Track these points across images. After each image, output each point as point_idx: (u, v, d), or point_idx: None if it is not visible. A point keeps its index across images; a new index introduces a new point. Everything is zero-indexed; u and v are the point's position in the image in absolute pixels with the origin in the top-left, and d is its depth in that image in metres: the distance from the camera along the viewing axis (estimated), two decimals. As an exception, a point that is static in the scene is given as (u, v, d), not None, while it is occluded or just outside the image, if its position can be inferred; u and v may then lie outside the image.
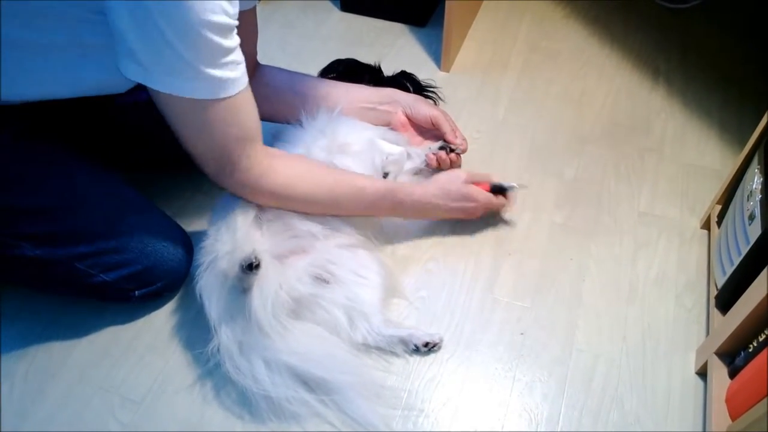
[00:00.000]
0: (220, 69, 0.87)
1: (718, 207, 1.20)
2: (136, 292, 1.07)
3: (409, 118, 1.27)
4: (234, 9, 0.86)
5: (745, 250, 0.97)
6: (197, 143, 0.94)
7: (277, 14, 1.82)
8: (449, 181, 1.17)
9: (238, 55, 0.89)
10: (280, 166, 1.01)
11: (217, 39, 0.84)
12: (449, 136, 1.24)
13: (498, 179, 1.21)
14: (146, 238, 1.04)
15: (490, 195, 1.19)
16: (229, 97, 0.89)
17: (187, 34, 0.81)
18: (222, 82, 0.88)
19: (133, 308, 1.12)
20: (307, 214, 1.08)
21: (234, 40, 0.88)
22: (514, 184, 1.22)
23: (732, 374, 0.95)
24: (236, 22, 0.87)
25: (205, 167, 0.97)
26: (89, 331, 1.10)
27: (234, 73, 0.89)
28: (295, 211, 1.07)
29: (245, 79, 0.92)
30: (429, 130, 1.27)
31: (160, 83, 0.86)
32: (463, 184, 1.16)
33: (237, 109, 0.92)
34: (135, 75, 0.85)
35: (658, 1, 1.81)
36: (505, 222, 1.26)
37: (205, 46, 0.84)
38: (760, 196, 0.96)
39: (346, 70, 1.39)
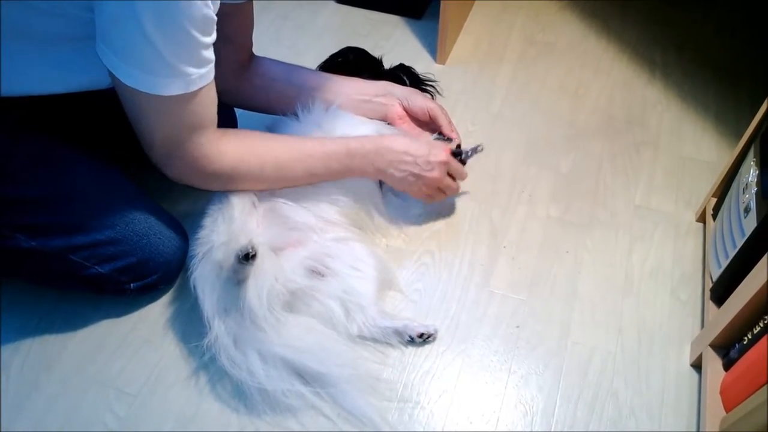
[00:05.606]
0: (194, 66, 0.87)
1: (714, 200, 1.20)
2: (132, 285, 1.06)
3: (405, 111, 1.26)
4: (216, 2, 0.85)
5: (740, 243, 0.97)
6: (152, 131, 0.94)
7: (272, 6, 1.81)
8: (413, 137, 1.17)
9: (212, 52, 0.89)
10: (229, 149, 1.00)
11: (198, 35, 0.84)
12: (446, 130, 1.24)
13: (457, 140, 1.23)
14: (141, 230, 1.03)
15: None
16: (195, 91, 0.89)
17: (170, 30, 0.81)
18: (193, 79, 0.88)
19: (128, 301, 1.12)
20: (302, 205, 1.08)
21: (212, 37, 0.88)
22: (477, 147, 1.20)
23: (726, 366, 0.95)
24: (215, 18, 0.87)
25: (152, 153, 0.97)
26: (85, 324, 1.10)
27: (205, 69, 0.89)
28: (284, 201, 1.08)
29: (212, 74, 0.92)
30: (426, 123, 1.27)
31: (131, 77, 0.85)
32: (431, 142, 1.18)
33: (198, 102, 0.92)
34: (109, 63, 0.85)
35: (654, -7, 1.81)
36: (501, 214, 1.27)
37: (187, 42, 0.84)
38: (755, 189, 0.96)
39: (356, 59, 1.38)
